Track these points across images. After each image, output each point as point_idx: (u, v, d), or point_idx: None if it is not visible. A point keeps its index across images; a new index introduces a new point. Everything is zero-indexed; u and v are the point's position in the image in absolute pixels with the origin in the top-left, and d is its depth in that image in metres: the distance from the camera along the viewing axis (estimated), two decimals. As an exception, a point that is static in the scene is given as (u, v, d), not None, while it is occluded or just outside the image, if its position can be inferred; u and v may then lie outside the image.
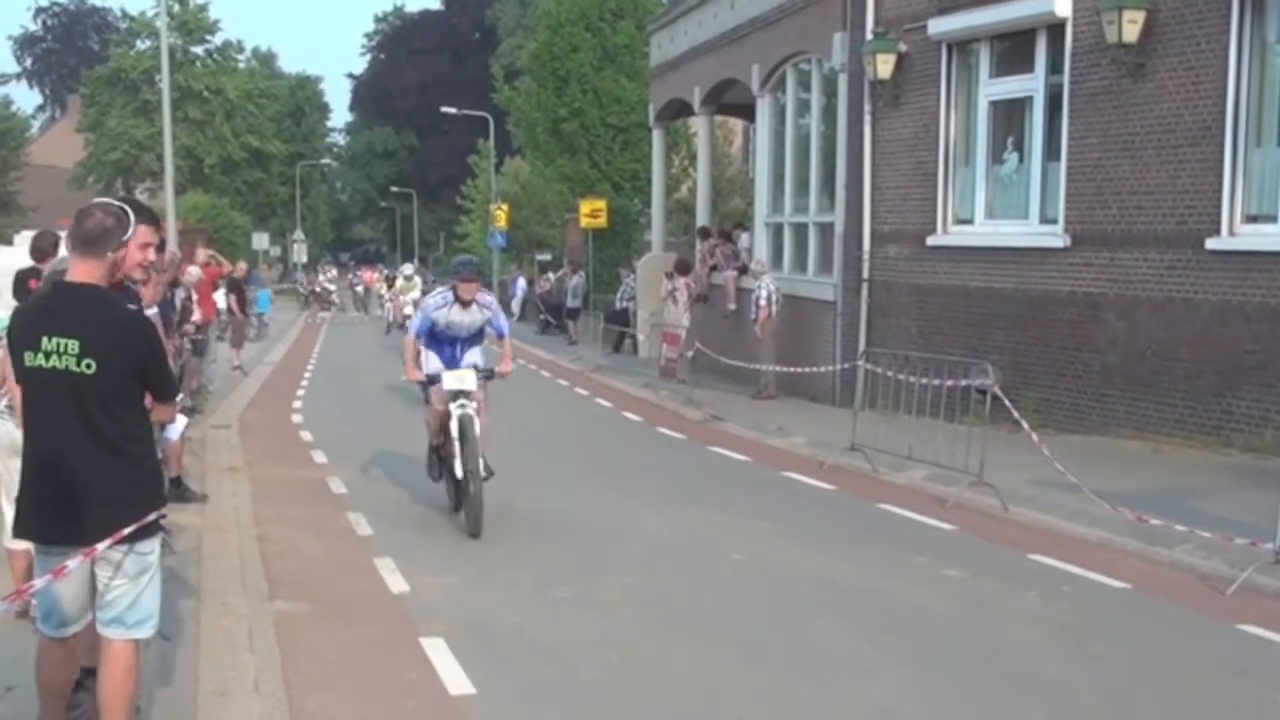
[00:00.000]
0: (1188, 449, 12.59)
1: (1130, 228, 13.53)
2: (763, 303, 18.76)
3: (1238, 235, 12.58)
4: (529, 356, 28.63)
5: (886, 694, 6.27)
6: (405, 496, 11.62)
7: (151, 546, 4.99)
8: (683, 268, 23.06)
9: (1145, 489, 10.14)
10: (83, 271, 4.84)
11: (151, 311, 8.83)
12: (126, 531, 4.80)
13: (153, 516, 4.93)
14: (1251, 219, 12.59)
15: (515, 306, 42.65)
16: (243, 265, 28.10)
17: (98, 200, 5.21)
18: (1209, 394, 12.74)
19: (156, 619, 5.12)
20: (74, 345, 4.72)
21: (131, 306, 5.28)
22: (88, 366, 4.73)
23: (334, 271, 67.54)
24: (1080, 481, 10.18)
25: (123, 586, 4.92)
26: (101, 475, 4.77)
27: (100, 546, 4.76)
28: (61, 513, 4.75)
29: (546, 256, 43.40)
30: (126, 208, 5.06)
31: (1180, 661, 6.83)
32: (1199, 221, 12.77)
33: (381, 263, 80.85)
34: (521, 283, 43.65)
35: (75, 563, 4.77)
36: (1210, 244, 12.64)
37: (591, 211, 34.44)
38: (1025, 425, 11.02)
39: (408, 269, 38.31)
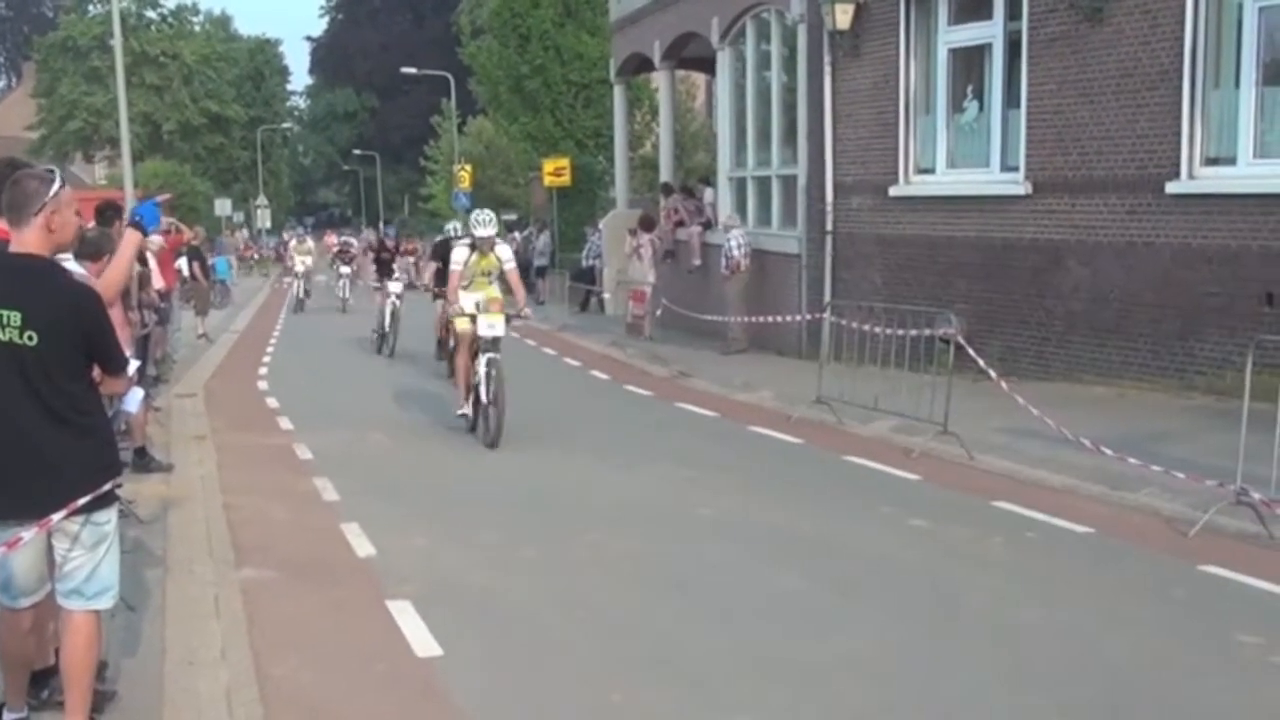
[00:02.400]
0: (1151, 393, 12.67)
1: (1090, 174, 13.55)
2: (735, 252, 18.74)
3: (1197, 178, 12.61)
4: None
5: (854, 644, 6.31)
6: (372, 461, 11.60)
7: (108, 516, 4.96)
8: (647, 224, 23.03)
9: (1110, 433, 10.19)
10: (20, 241, 4.78)
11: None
12: (81, 502, 4.76)
13: (108, 486, 4.88)
14: (1211, 161, 12.62)
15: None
16: (199, 230, 27.85)
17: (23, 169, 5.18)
18: (1172, 337, 12.81)
19: (116, 589, 5.09)
20: (16, 317, 4.65)
21: (80, 276, 5.21)
22: (30, 338, 4.65)
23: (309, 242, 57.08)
24: (1045, 428, 10.24)
25: (81, 557, 4.88)
26: (51, 447, 4.71)
27: (55, 518, 4.72)
28: (12, 486, 4.70)
29: (512, 216, 43.22)
30: (53, 169, 5.03)
31: (1143, 603, 6.90)
32: (1159, 165, 12.80)
33: (347, 226, 79.63)
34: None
35: (30, 534, 4.73)
36: (1170, 188, 12.68)
37: (555, 170, 34.29)
38: (992, 374, 11.07)
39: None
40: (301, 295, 32.97)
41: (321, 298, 33.73)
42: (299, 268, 34.54)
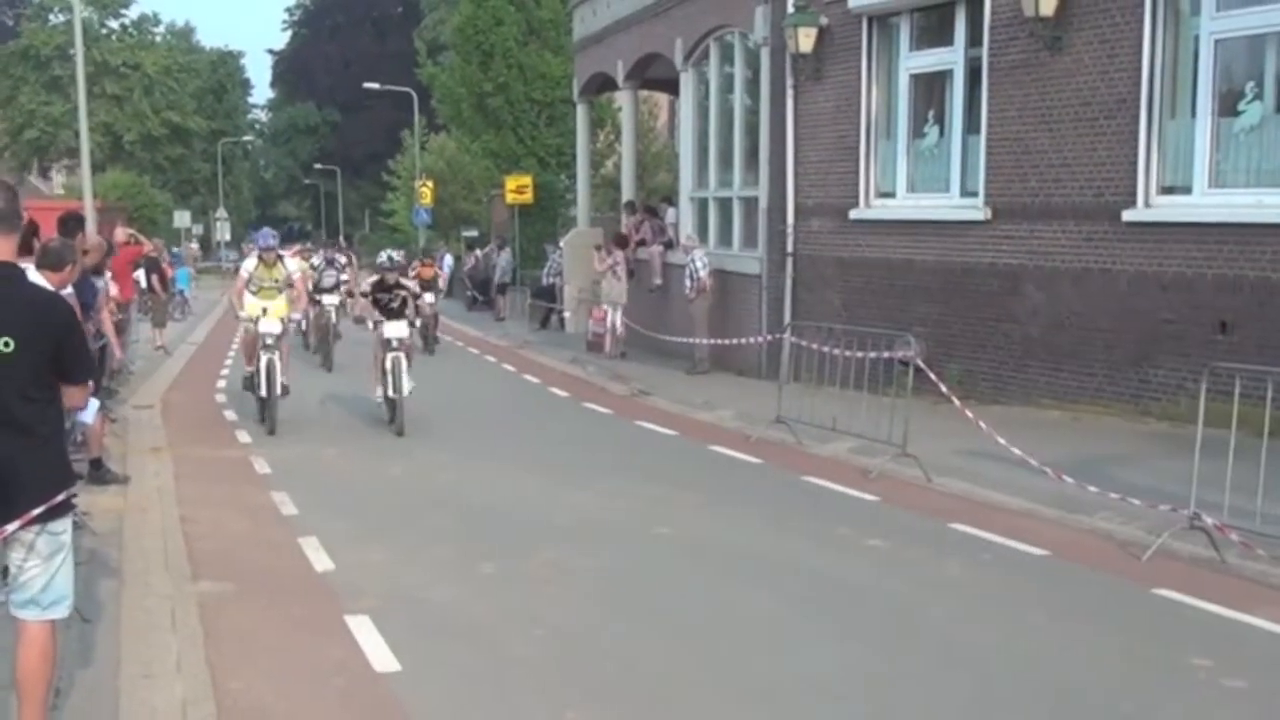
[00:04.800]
0: (1107, 418, 12.79)
1: (1049, 200, 13.70)
2: (700, 273, 18.78)
3: (1153, 207, 12.77)
4: (457, 333, 28.56)
5: (811, 663, 6.34)
6: (330, 475, 11.56)
7: (64, 526, 4.93)
8: (621, 242, 22.89)
9: (1066, 458, 10.29)
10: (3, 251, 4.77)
11: (66, 293, 8.72)
12: (37, 512, 4.73)
13: (62, 496, 4.86)
14: (1167, 190, 12.80)
15: (442, 283, 42.46)
16: (158, 242, 27.66)
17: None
18: (1127, 363, 12.95)
19: (71, 599, 5.06)
20: None
21: (44, 286, 5.20)
22: (5, 345, 4.64)
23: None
24: (1003, 451, 10.32)
25: (36, 567, 4.85)
26: (10, 457, 4.69)
27: (10, 528, 4.69)
28: None
29: (473, 233, 43.19)
30: (10, 183, 5.05)
31: (1098, 626, 6.96)
32: (1115, 194, 12.96)
33: (308, 240, 78.84)
34: (448, 259, 43.43)
35: None
36: (1126, 215, 12.83)
37: (517, 187, 34.28)
38: (955, 400, 11.17)
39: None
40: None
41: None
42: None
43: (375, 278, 14.97)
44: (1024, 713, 5.71)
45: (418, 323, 15.52)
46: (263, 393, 14.00)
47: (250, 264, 15.10)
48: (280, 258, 15.21)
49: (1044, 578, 7.97)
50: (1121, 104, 12.85)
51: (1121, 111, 12.85)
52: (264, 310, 14.48)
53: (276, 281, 14.84)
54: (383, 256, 15.48)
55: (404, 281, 15.30)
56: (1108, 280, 13.12)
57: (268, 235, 15.77)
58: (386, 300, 14.52)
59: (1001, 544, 8.70)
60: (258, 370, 14.15)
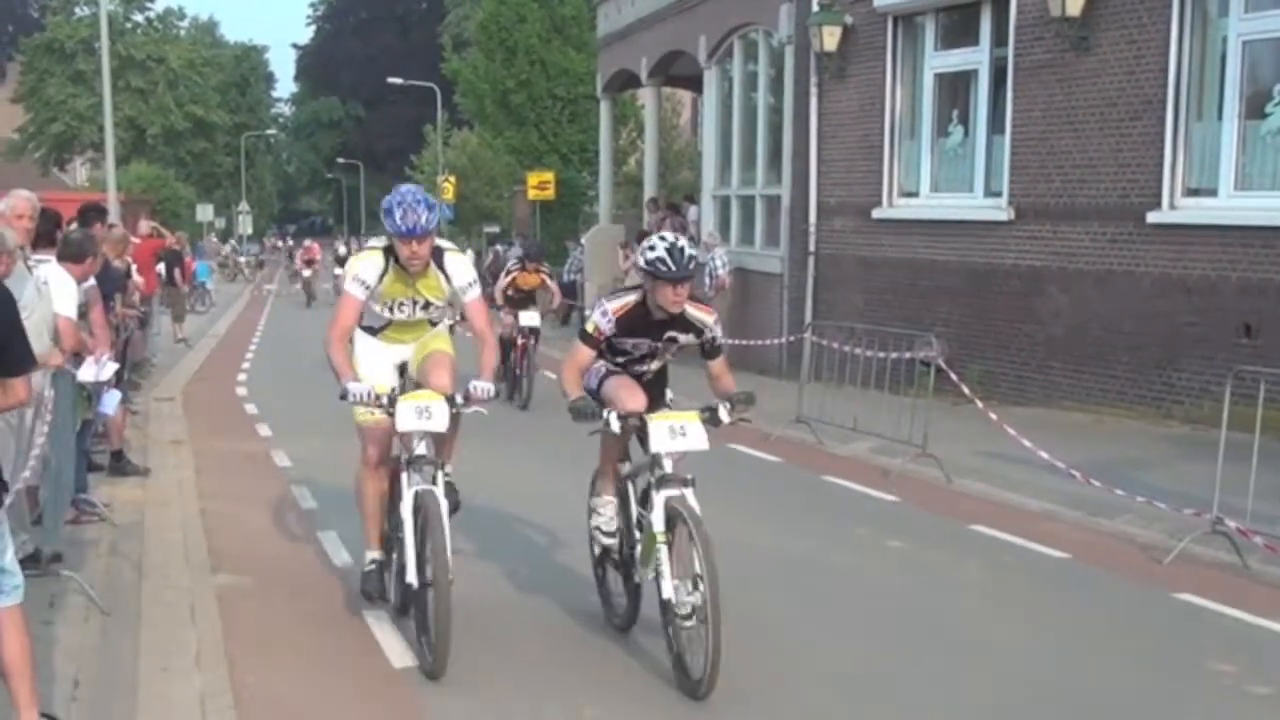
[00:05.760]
0: (1129, 420, 12.73)
1: (1073, 201, 13.63)
2: (720, 271, 18.74)
3: (1178, 208, 12.70)
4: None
5: (829, 664, 6.31)
6: (349, 470, 11.51)
7: None
8: (642, 239, 22.88)
9: (1087, 460, 10.22)
10: None
11: (89, 284, 8.75)
12: None
13: None
14: (1192, 192, 12.72)
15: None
16: (181, 235, 27.73)
17: None
18: (1150, 366, 12.87)
19: (22, 584, 4.92)
20: None
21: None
22: None
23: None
24: (1025, 453, 10.27)
25: None
26: None
27: None
28: None
29: (495, 229, 43.21)
30: None
31: (1119, 630, 6.91)
32: (1140, 195, 12.89)
33: (328, 235, 79.30)
34: (469, 255, 43.41)
35: None
36: (1151, 217, 12.76)
37: (539, 183, 34.30)
38: (978, 402, 11.11)
39: None
40: None
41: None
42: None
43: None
44: (1044, 716, 5.68)
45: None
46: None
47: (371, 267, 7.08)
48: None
49: (1065, 580, 7.93)
50: (1148, 105, 12.77)
51: (1147, 112, 12.78)
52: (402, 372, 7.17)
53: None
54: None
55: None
56: (1131, 282, 13.04)
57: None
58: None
59: (1022, 546, 8.66)
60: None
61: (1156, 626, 7.00)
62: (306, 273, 39.21)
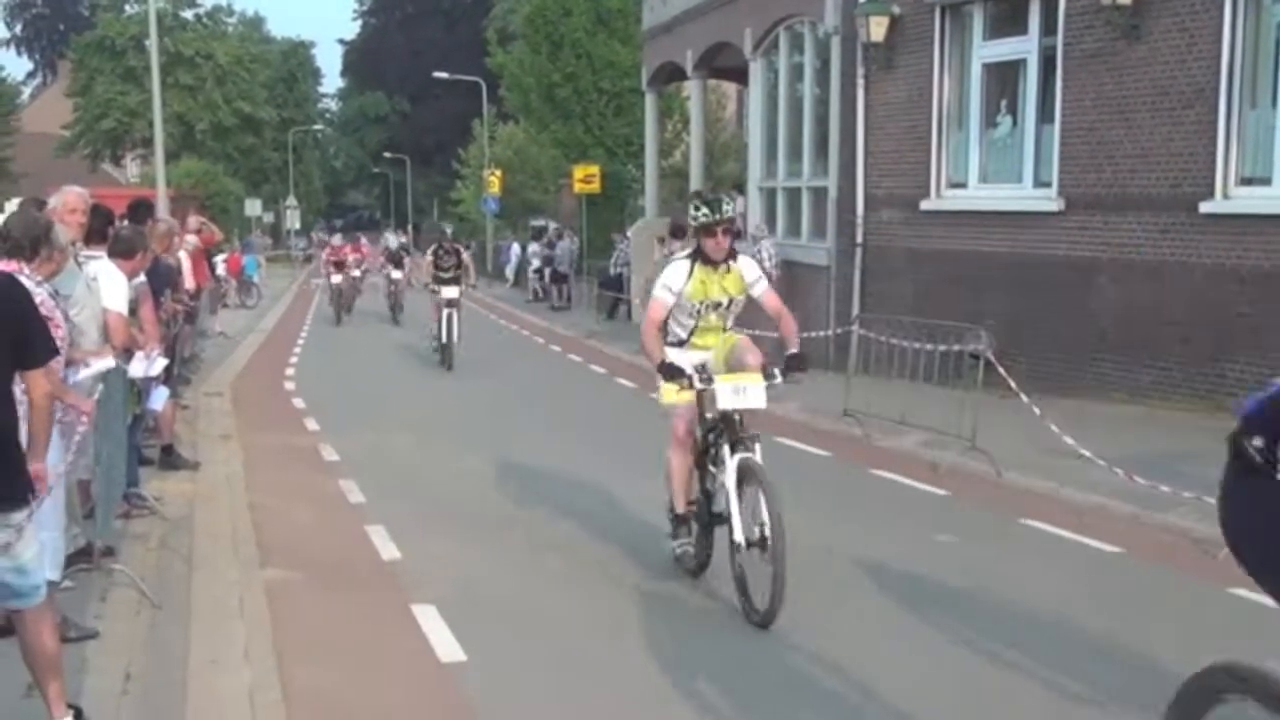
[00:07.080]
0: (1181, 413, 12.57)
1: (1124, 191, 13.48)
2: (767, 263, 18.66)
3: (1232, 198, 12.53)
4: (522, 322, 28.67)
5: (879, 660, 6.26)
6: (397, 463, 11.60)
7: (18, 518, 4.74)
8: (678, 231, 22.80)
9: (1139, 453, 10.12)
10: None
11: (139, 280, 8.80)
12: None
13: None
14: (1246, 181, 12.55)
15: (510, 272, 42.97)
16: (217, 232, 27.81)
17: None
18: (1203, 358, 12.72)
19: (44, 585, 4.92)
20: None
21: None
22: None
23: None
24: (1075, 446, 10.17)
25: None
26: None
27: None
28: None
29: (540, 222, 43.28)
30: None
31: (1172, 625, 6.83)
32: (1193, 184, 12.73)
33: (374, 229, 79.49)
34: (515, 248, 43.55)
35: None
36: (1204, 207, 12.60)
37: (585, 177, 34.33)
38: (1023, 397, 11.00)
39: None
40: None
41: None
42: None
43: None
44: (1100, 710, 5.61)
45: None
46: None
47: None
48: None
49: (1117, 575, 7.85)
50: (1200, 93, 12.61)
51: (1200, 101, 12.61)
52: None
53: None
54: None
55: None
56: (1184, 273, 12.89)
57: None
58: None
59: (1073, 540, 8.57)
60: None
61: (1211, 621, 6.90)
62: (337, 278, 29.57)
